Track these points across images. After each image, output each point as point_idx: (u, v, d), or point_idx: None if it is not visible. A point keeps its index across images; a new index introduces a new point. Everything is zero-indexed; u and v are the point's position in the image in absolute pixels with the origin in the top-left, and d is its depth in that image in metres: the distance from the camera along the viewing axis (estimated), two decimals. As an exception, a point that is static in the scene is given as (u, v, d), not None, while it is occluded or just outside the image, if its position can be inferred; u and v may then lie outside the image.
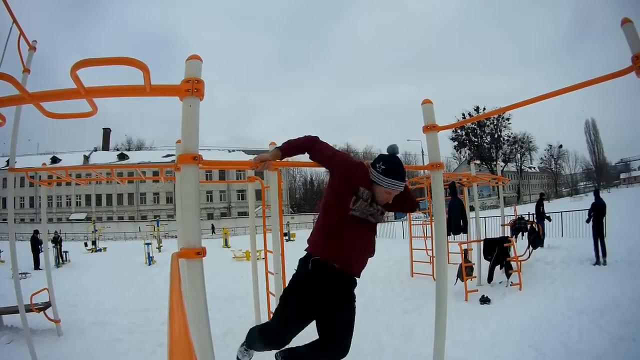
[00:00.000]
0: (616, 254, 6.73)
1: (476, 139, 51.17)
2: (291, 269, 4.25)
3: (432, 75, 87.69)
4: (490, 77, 77.99)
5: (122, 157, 46.76)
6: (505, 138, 50.73)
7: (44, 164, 5.56)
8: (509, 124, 49.77)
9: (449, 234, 7.02)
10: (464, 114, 45.18)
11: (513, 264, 6.22)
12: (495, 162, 44.08)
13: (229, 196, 46.66)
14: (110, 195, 45.24)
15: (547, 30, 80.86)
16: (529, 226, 7.46)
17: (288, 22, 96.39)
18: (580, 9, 79.33)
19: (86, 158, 44.83)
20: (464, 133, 51.26)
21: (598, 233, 6.96)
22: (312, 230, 2.10)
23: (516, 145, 51.15)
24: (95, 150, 49.78)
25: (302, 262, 1.99)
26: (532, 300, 5.07)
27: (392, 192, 1.90)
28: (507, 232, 7.64)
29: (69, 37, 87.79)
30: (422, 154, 41.55)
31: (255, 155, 2.03)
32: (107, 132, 52.42)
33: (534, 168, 58.68)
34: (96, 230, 22.04)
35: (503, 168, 45.88)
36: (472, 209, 8.10)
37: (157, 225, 20.70)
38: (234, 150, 47.71)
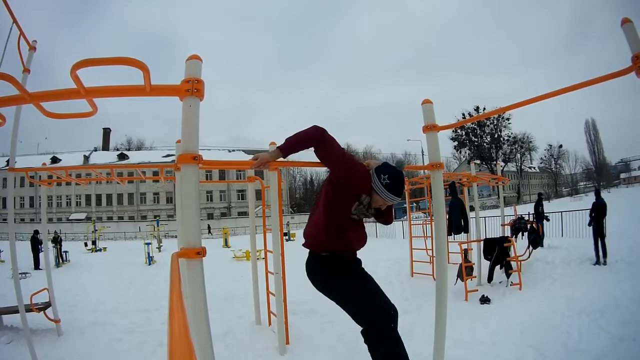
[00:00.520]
0: (616, 254, 6.73)
1: (476, 139, 51.17)
2: (291, 269, 4.22)
3: (432, 75, 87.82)
4: (490, 77, 78.09)
5: (122, 157, 46.77)
6: (505, 138, 50.75)
7: (44, 164, 5.56)
8: (509, 124, 49.83)
9: (449, 234, 7.03)
10: (464, 114, 45.20)
11: (513, 263, 6.22)
12: (495, 162, 44.10)
13: (229, 196, 46.67)
14: (110, 195, 45.25)
15: (547, 30, 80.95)
16: (528, 226, 7.46)
17: (288, 22, 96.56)
18: (580, 9, 79.39)
19: (86, 158, 44.84)
20: (464, 133, 51.26)
21: (599, 233, 6.96)
22: (310, 223, 2.09)
23: (516, 145, 51.16)
24: (95, 150, 49.81)
25: (316, 258, 2.05)
26: (532, 300, 5.07)
27: (387, 203, 1.99)
28: (507, 232, 7.63)
29: (69, 37, 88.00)
30: (422, 154, 41.60)
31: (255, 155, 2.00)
32: (107, 132, 52.44)
33: (534, 168, 58.69)
34: (96, 230, 22.03)
35: (503, 168, 45.88)
36: (472, 209, 8.10)
37: (157, 225, 20.72)
38: (234, 150, 47.72)
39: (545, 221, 9.57)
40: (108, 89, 1.53)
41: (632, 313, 4.00)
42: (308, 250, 2.10)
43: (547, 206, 10.83)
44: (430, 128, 2.33)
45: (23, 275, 8.02)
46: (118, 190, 44.70)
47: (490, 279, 6.39)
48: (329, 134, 1.94)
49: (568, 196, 44.77)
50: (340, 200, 1.93)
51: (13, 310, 4.47)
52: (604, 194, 8.07)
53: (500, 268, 6.33)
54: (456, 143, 52.41)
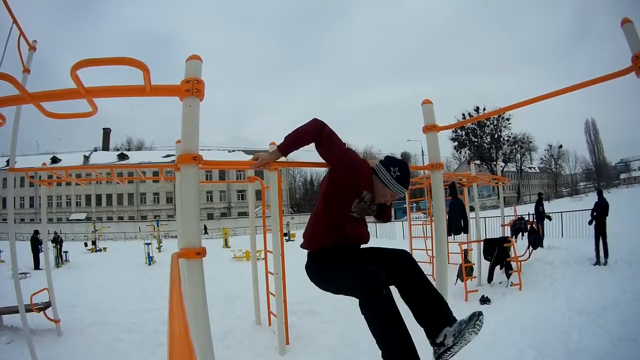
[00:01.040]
0: (616, 254, 6.72)
1: (476, 139, 51.16)
2: (291, 269, 4.21)
3: (432, 75, 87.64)
4: (491, 77, 77.91)
5: (122, 157, 46.78)
6: (505, 138, 50.73)
7: (44, 164, 5.57)
8: (509, 124, 49.78)
9: (449, 234, 7.02)
10: (464, 114, 45.17)
11: (513, 264, 6.22)
12: (495, 162, 44.03)
13: (229, 196, 46.68)
14: (110, 195, 45.26)
15: (547, 30, 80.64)
16: (528, 226, 7.46)
17: (288, 22, 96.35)
18: (580, 8, 79.12)
19: (86, 158, 44.86)
20: (464, 133, 51.26)
21: (600, 233, 6.94)
22: (310, 223, 2.04)
23: (516, 146, 51.15)
24: (95, 150, 49.80)
25: (314, 258, 1.98)
26: (532, 301, 5.07)
27: (397, 196, 1.96)
28: (507, 233, 7.64)
29: (69, 37, 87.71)
30: (422, 154, 41.58)
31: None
32: (107, 132, 52.44)
33: (534, 168, 58.66)
34: (96, 230, 22.06)
35: (503, 168, 45.85)
36: (472, 209, 8.11)
37: (157, 225, 20.73)
38: (234, 150, 47.72)
39: (547, 220, 9.56)
40: (108, 89, 1.53)
41: (632, 313, 4.00)
42: (306, 252, 2.07)
43: (547, 206, 10.82)
44: (430, 128, 2.33)
45: (23, 275, 8.01)
46: (118, 191, 44.70)
47: (490, 279, 6.39)
48: (329, 127, 1.87)
49: (568, 196, 44.75)
50: (339, 198, 1.88)
51: (13, 310, 4.47)
52: (604, 194, 8.05)
53: (501, 268, 6.33)
54: (456, 143, 52.42)
